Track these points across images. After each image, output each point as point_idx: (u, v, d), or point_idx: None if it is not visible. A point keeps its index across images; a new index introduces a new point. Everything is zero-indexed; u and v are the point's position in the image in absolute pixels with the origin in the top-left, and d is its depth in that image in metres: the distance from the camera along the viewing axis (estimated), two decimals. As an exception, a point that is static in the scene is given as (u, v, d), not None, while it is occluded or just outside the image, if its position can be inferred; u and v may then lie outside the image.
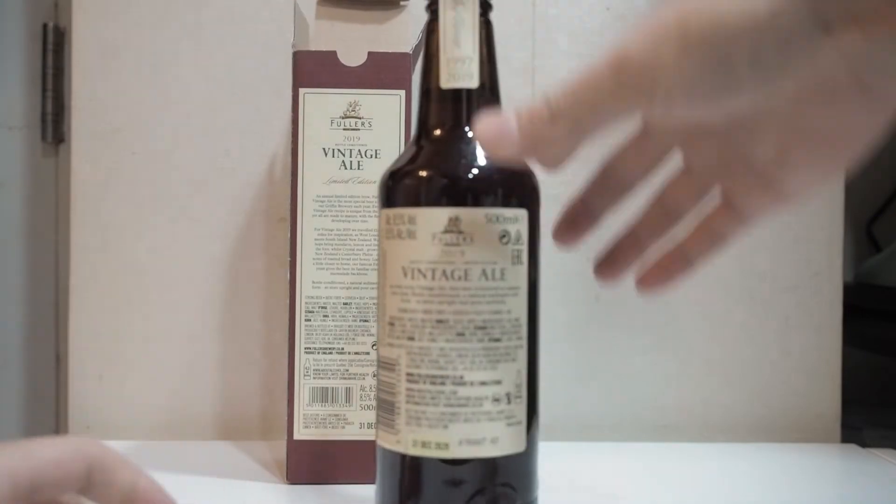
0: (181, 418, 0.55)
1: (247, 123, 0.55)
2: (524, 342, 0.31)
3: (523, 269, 0.31)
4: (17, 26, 0.60)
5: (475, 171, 0.32)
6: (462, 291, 0.30)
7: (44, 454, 0.24)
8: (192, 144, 0.55)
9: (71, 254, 0.55)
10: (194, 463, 0.47)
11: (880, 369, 0.68)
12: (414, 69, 0.43)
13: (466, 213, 0.31)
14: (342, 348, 0.43)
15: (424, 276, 0.31)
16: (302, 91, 0.43)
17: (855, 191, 0.59)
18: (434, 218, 0.31)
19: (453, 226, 0.31)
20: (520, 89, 0.56)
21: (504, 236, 0.31)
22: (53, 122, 0.60)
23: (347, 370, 0.43)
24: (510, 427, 0.31)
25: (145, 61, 0.55)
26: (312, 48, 0.45)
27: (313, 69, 0.43)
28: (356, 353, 0.43)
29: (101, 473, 0.25)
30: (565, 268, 0.54)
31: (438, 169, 0.32)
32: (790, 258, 0.57)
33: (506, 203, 0.31)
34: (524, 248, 0.31)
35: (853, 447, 0.54)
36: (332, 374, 0.43)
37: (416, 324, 0.31)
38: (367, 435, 0.42)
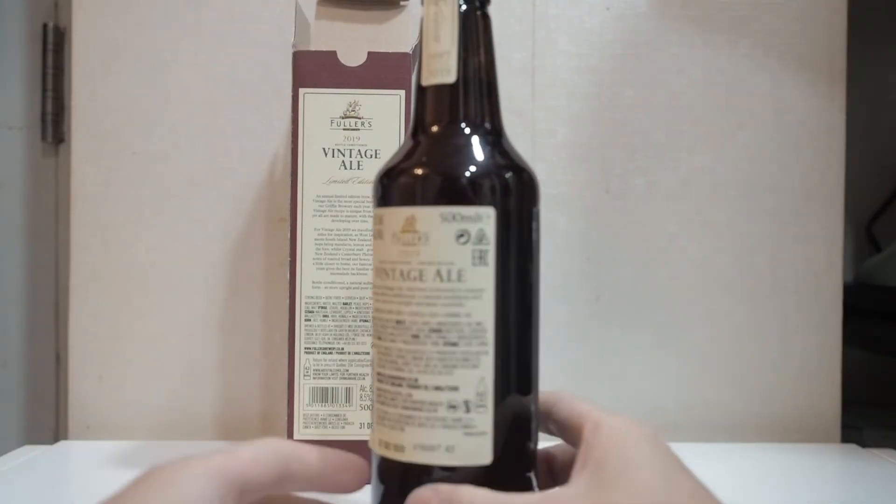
0: (181, 418, 0.55)
1: (247, 123, 0.55)
2: (489, 348, 0.29)
3: (488, 270, 0.30)
4: (17, 26, 0.60)
5: (435, 169, 0.31)
6: (417, 292, 0.30)
7: (246, 455, 0.25)
8: (192, 144, 0.55)
9: (71, 254, 0.55)
10: (194, 463, 0.47)
11: (880, 369, 0.68)
12: (414, 69, 0.44)
13: (421, 213, 0.30)
14: (342, 348, 0.43)
15: (388, 276, 0.31)
16: (302, 91, 0.43)
17: (855, 191, 0.59)
18: (395, 218, 0.30)
19: (409, 225, 0.30)
20: (520, 89, 0.56)
21: (462, 235, 0.29)
22: (53, 122, 0.60)
23: (347, 370, 0.43)
24: (469, 437, 0.29)
25: (145, 61, 0.55)
26: (312, 48, 0.45)
27: (313, 69, 0.43)
28: (356, 353, 0.43)
29: (299, 464, 0.27)
30: (566, 268, 0.55)
31: (405, 169, 0.31)
32: (790, 258, 0.57)
33: (465, 201, 0.30)
34: (489, 248, 0.30)
35: (853, 447, 0.54)
36: (332, 374, 0.43)
37: (382, 324, 0.31)
38: (367, 435, 0.42)
